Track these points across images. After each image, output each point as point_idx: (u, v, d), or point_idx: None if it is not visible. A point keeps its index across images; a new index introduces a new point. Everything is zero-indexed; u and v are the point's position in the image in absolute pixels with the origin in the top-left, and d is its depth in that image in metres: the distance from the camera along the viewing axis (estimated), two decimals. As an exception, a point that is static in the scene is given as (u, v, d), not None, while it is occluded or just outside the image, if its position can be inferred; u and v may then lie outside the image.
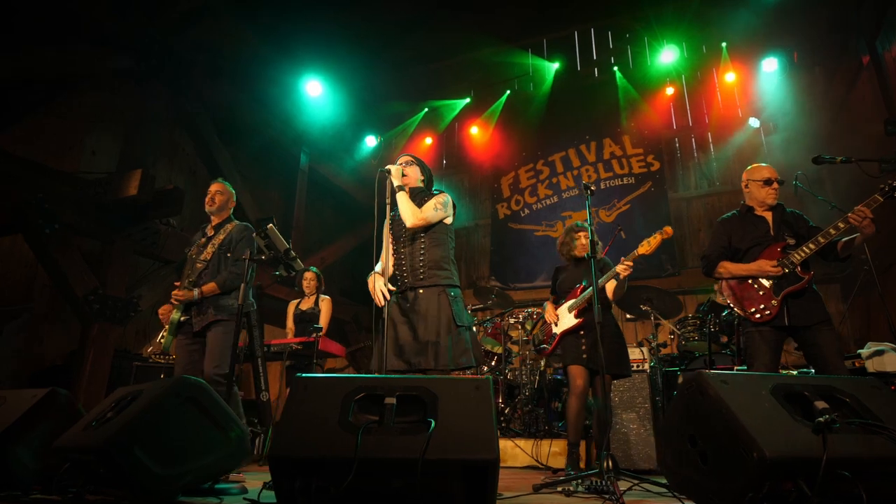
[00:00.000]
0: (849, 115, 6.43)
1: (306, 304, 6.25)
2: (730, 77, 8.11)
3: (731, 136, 8.16)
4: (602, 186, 8.71)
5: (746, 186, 3.71)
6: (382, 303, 3.13)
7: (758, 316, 3.35)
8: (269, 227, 3.28)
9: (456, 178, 10.09)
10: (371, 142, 9.71)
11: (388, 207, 3.51)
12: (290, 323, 6.30)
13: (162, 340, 4.17)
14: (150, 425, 2.27)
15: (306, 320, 6.09)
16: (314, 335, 5.55)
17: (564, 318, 4.09)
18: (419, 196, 3.52)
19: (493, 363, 6.60)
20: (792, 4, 6.56)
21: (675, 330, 5.50)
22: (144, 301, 6.13)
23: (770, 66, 7.63)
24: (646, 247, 3.71)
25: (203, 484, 2.43)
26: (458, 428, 2.08)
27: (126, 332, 6.44)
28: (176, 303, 4.01)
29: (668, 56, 8.40)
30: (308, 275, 6.28)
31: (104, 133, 6.64)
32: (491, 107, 9.69)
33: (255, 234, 3.54)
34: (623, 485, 2.99)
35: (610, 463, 2.96)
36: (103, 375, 5.54)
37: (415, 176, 3.61)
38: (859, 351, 4.04)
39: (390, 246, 3.54)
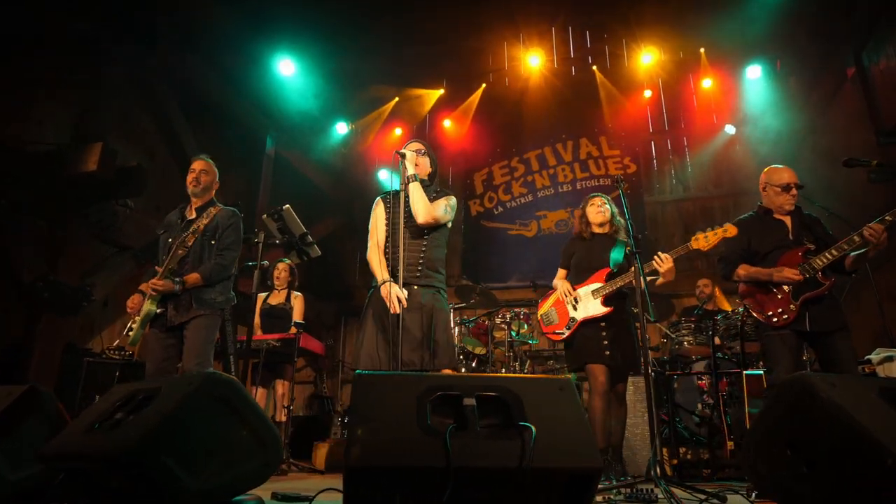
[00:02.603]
0: (829, 125, 6.60)
1: (276, 299, 5.78)
2: (707, 83, 8.21)
3: (707, 141, 8.27)
4: (578, 187, 8.65)
5: (764, 189, 3.64)
6: (398, 310, 2.91)
7: (775, 320, 3.31)
8: (284, 208, 2.93)
9: (425, 173, 9.78)
10: (341, 129, 9.25)
11: (401, 195, 3.24)
12: (256, 319, 5.84)
13: (130, 333, 3.72)
14: (180, 429, 1.90)
15: (276, 316, 5.63)
16: (295, 331, 5.16)
17: (589, 304, 3.68)
18: (427, 191, 3.34)
19: (473, 364, 6.37)
20: (776, 14, 6.66)
21: (669, 333, 5.43)
22: (98, 290, 5.52)
23: (751, 74, 7.74)
24: (702, 242, 3.42)
25: (235, 497, 2.07)
26: (553, 433, 1.84)
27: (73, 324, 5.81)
28: (154, 293, 3.57)
29: (646, 59, 8.41)
30: (281, 265, 5.81)
31: (53, 102, 5.95)
32: (465, 100, 9.44)
33: (265, 217, 3.15)
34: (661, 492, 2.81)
35: (659, 470, 2.79)
36: (52, 372, 4.94)
37: (424, 168, 3.44)
38: (868, 356, 4.06)
39: (383, 234, 3.32)
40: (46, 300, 4.86)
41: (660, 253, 3.51)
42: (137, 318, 3.65)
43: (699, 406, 4.91)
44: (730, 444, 4.08)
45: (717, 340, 5.06)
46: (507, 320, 6.07)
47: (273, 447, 2.16)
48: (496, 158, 9.39)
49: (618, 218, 3.95)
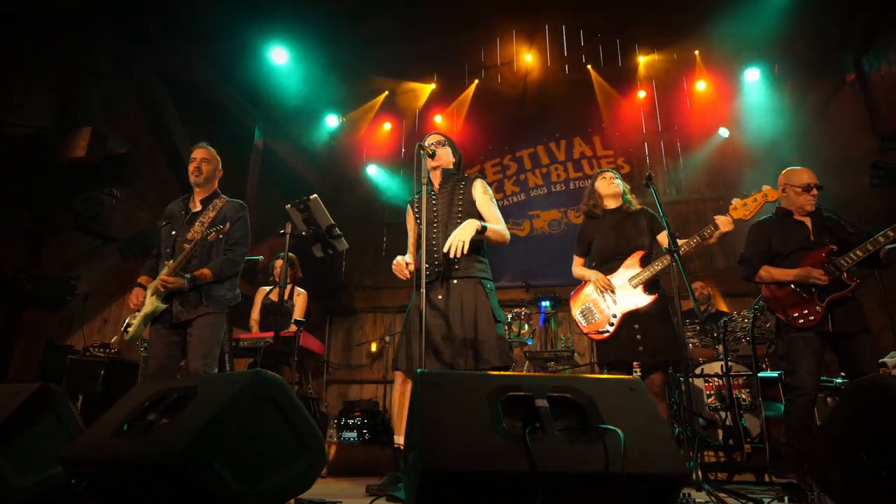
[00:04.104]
0: (827, 130, 6.65)
1: (277, 295, 5.58)
2: (701, 85, 8.23)
3: (701, 144, 8.28)
4: (571, 187, 8.57)
5: (784, 191, 3.60)
6: (406, 275, 2.89)
7: (801, 321, 3.28)
8: (311, 198, 2.76)
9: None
10: (331, 122, 9.01)
11: (423, 188, 3.17)
12: (255, 314, 5.64)
13: (130, 329, 3.53)
14: (227, 431, 1.74)
15: (276, 313, 5.44)
16: (295, 329, 4.97)
17: (628, 294, 3.38)
18: (453, 180, 3.37)
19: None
20: (774, 18, 6.71)
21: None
22: (82, 284, 5.23)
23: (749, 77, 7.77)
24: (741, 211, 3.22)
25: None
26: (633, 436, 1.74)
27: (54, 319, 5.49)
28: (162, 289, 3.38)
29: (640, 59, 8.42)
30: (278, 262, 5.68)
31: (35, 86, 5.61)
32: (457, 96, 9.28)
33: (289, 207, 2.98)
34: (699, 497, 2.73)
35: (700, 473, 2.71)
36: (32, 371, 4.64)
37: (447, 158, 3.46)
38: (883, 360, 4.06)
39: (415, 230, 3.38)
40: (29, 294, 4.56)
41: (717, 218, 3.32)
42: (139, 315, 3.46)
43: (706, 409, 4.87)
44: (746, 448, 4.04)
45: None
46: (508, 321, 5.96)
47: (317, 449, 2.01)
48: (488, 156, 9.23)
49: (627, 196, 3.77)
